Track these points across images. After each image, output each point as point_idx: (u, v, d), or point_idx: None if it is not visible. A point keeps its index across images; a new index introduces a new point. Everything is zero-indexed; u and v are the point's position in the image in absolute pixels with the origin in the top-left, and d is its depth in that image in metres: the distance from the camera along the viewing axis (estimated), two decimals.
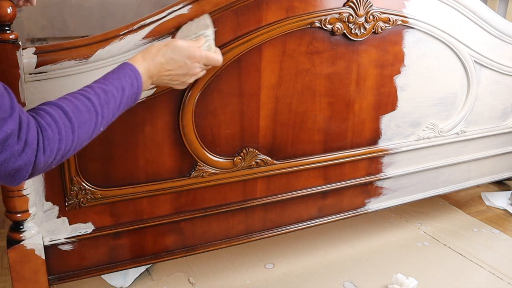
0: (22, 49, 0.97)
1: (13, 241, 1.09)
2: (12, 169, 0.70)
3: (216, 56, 1.03)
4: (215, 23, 1.12)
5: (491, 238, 1.77)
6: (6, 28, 0.95)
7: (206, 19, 1.09)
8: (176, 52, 0.97)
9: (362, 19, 1.32)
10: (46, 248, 1.13)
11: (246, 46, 1.19)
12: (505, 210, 1.98)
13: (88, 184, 1.14)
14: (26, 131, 0.70)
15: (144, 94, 1.12)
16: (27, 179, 0.75)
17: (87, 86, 0.84)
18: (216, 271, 1.54)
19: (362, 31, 1.33)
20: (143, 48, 1.07)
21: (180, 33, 1.09)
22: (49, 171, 1.07)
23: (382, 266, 1.58)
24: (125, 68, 0.90)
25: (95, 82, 0.86)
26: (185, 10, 1.10)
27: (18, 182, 0.74)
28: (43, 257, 1.12)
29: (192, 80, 1.03)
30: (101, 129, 0.85)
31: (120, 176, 1.17)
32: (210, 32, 1.05)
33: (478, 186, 2.00)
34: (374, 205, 1.60)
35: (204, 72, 1.05)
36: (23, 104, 1.00)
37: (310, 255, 1.63)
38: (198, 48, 1.00)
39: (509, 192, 2.08)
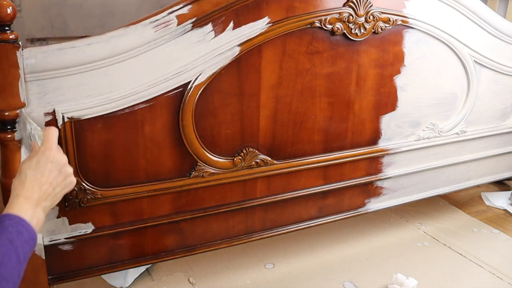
0: (22, 49, 0.97)
1: None
2: None
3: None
4: (216, 23, 1.13)
5: (491, 238, 1.77)
6: (6, 28, 0.95)
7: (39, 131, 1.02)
8: (42, 161, 0.88)
9: (362, 19, 1.32)
10: (46, 248, 1.13)
11: (246, 46, 1.19)
12: (505, 210, 1.97)
13: (88, 184, 1.14)
14: None
15: (144, 95, 1.12)
16: None
17: None
18: (216, 271, 1.54)
19: (362, 31, 1.33)
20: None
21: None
22: None
23: (382, 266, 1.58)
24: (2, 222, 0.78)
25: None
26: (185, 10, 1.10)
27: None
28: (43, 257, 1.11)
29: (74, 179, 0.95)
30: None
31: (120, 176, 1.17)
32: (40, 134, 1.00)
33: (478, 186, 2.00)
34: (374, 205, 1.60)
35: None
36: (23, 104, 1.00)
37: (310, 255, 1.63)
38: (49, 147, 0.91)
39: (509, 192, 2.08)
